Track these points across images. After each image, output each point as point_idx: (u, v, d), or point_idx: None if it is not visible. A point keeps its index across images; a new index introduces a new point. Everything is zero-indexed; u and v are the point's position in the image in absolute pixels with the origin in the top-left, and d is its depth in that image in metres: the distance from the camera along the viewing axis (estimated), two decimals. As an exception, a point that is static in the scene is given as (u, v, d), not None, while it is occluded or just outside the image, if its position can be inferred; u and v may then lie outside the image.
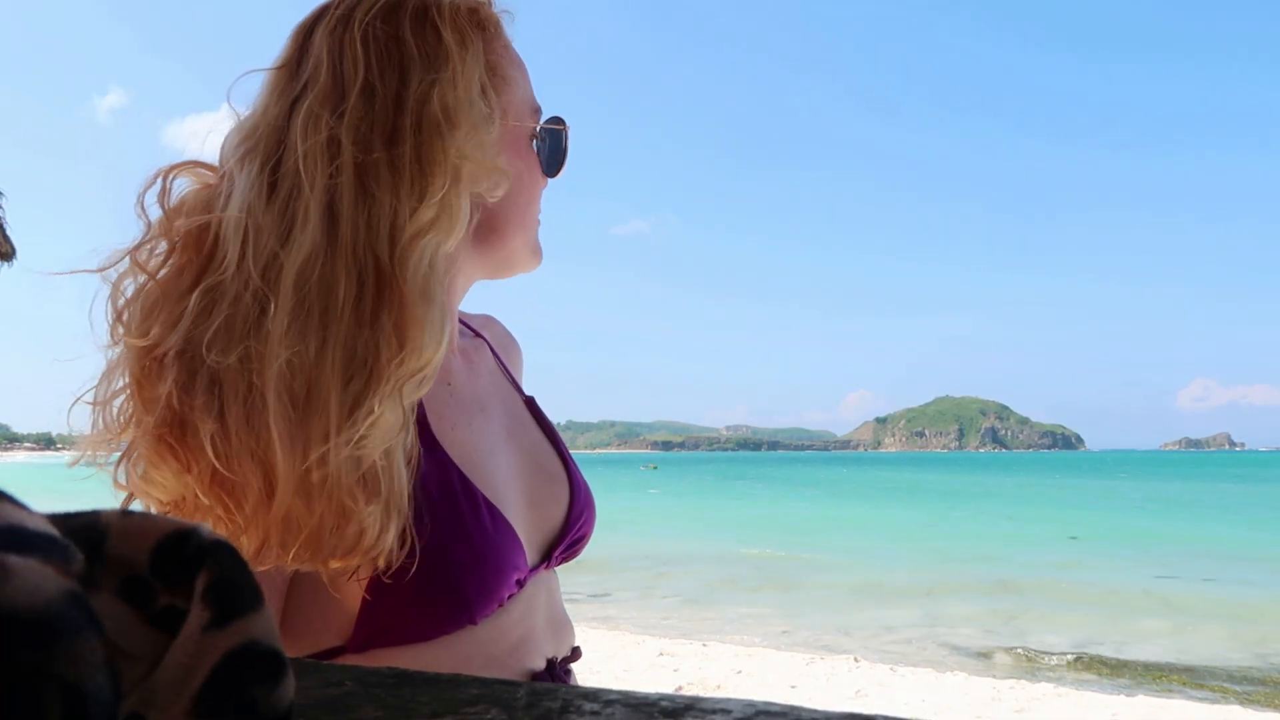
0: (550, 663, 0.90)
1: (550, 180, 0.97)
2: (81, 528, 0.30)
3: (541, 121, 0.94)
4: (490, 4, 0.88)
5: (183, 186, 0.81)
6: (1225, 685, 8.37)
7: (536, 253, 0.97)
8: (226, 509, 0.72)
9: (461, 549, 0.81)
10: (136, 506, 0.74)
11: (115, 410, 0.75)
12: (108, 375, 0.76)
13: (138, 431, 0.74)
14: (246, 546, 0.72)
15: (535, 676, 0.88)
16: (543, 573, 0.93)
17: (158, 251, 0.78)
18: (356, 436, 0.71)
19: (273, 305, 0.72)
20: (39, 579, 0.24)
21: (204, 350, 0.71)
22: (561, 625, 0.96)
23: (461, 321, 1.03)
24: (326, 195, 0.75)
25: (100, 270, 0.78)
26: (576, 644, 0.97)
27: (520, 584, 0.87)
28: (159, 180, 0.81)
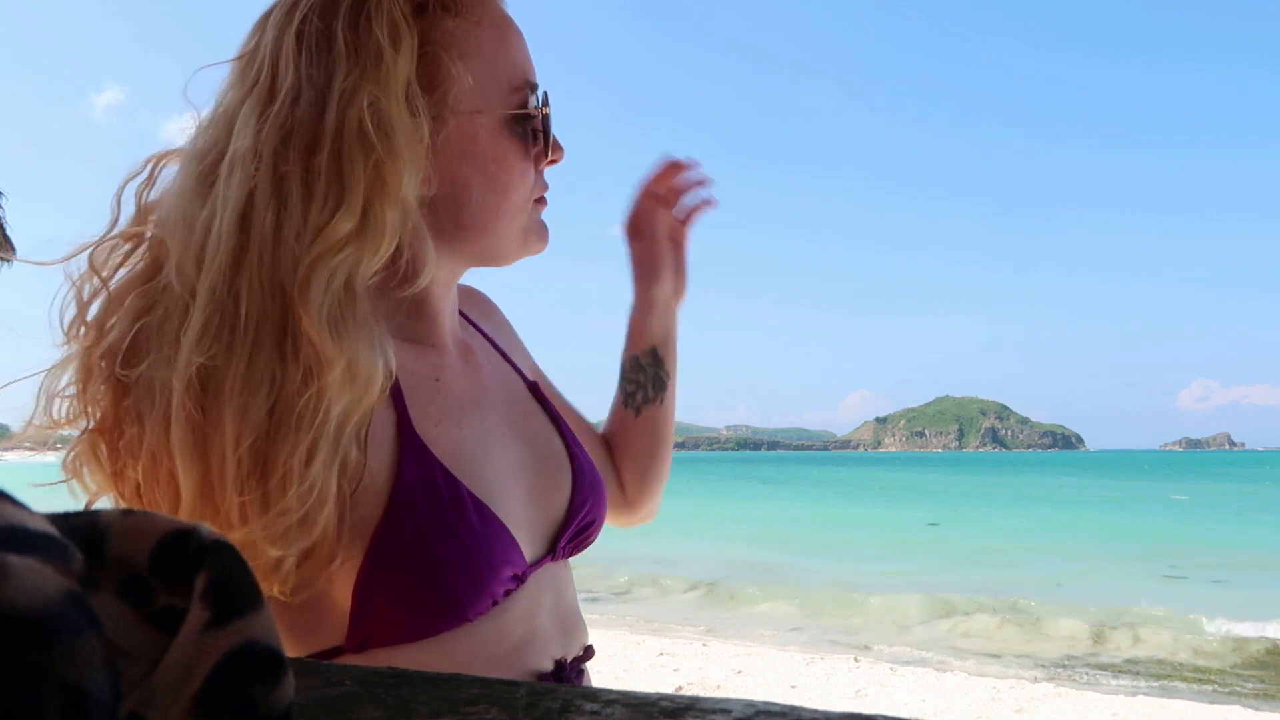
0: (559, 664, 0.87)
1: (551, 162, 0.92)
2: (81, 527, 0.30)
3: (533, 97, 0.87)
4: None
5: (170, 176, 0.79)
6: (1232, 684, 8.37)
7: (530, 239, 0.92)
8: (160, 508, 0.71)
9: (447, 547, 0.78)
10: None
11: (59, 405, 0.75)
12: (59, 368, 0.75)
13: (78, 430, 0.74)
14: None
15: (542, 678, 0.85)
16: (549, 566, 0.89)
17: (119, 251, 0.77)
18: (267, 494, 0.69)
19: (190, 313, 0.70)
20: (39, 579, 0.24)
21: (131, 354, 0.71)
22: (572, 623, 0.92)
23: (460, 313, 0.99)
24: (243, 205, 0.71)
25: (65, 260, 0.76)
26: (589, 643, 0.94)
27: (520, 580, 0.84)
28: (147, 168, 0.79)
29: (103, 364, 0.73)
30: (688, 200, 1.17)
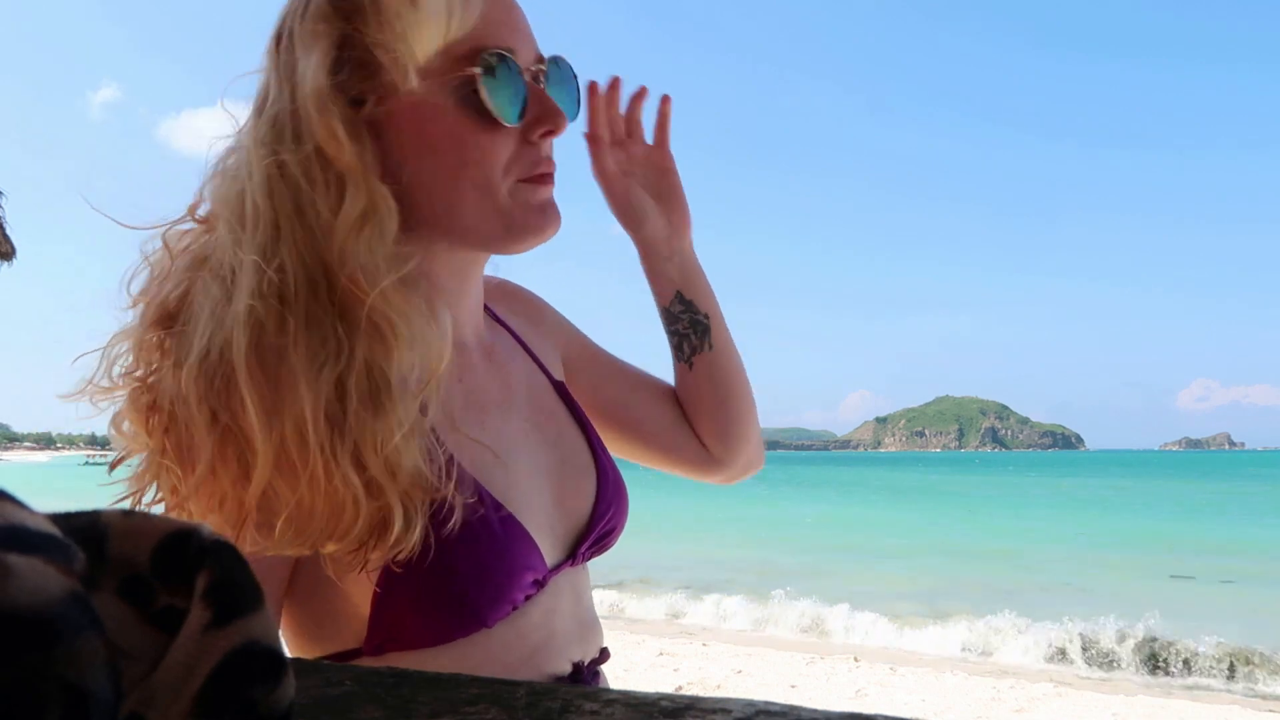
0: (577, 666, 0.87)
1: (536, 136, 0.82)
2: (83, 527, 0.30)
3: (501, 63, 0.79)
4: None
5: None
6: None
7: (516, 221, 0.82)
8: (177, 477, 0.73)
9: (465, 555, 0.78)
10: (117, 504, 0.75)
11: (119, 365, 0.77)
12: (122, 334, 0.78)
13: (127, 385, 0.76)
14: (194, 514, 0.72)
15: (560, 682, 0.85)
16: (568, 570, 0.89)
17: (190, 231, 0.80)
18: (350, 430, 0.70)
19: (239, 273, 0.73)
20: (40, 579, 0.24)
21: (183, 309, 0.74)
22: (589, 626, 0.92)
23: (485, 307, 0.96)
24: (266, 183, 0.74)
25: (153, 228, 0.80)
26: (605, 645, 0.94)
27: (540, 585, 0.84)
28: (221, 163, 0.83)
29: (158, 323, 0.76)
30: (636, 118, 1.06)
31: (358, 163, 0.74)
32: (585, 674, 0.87)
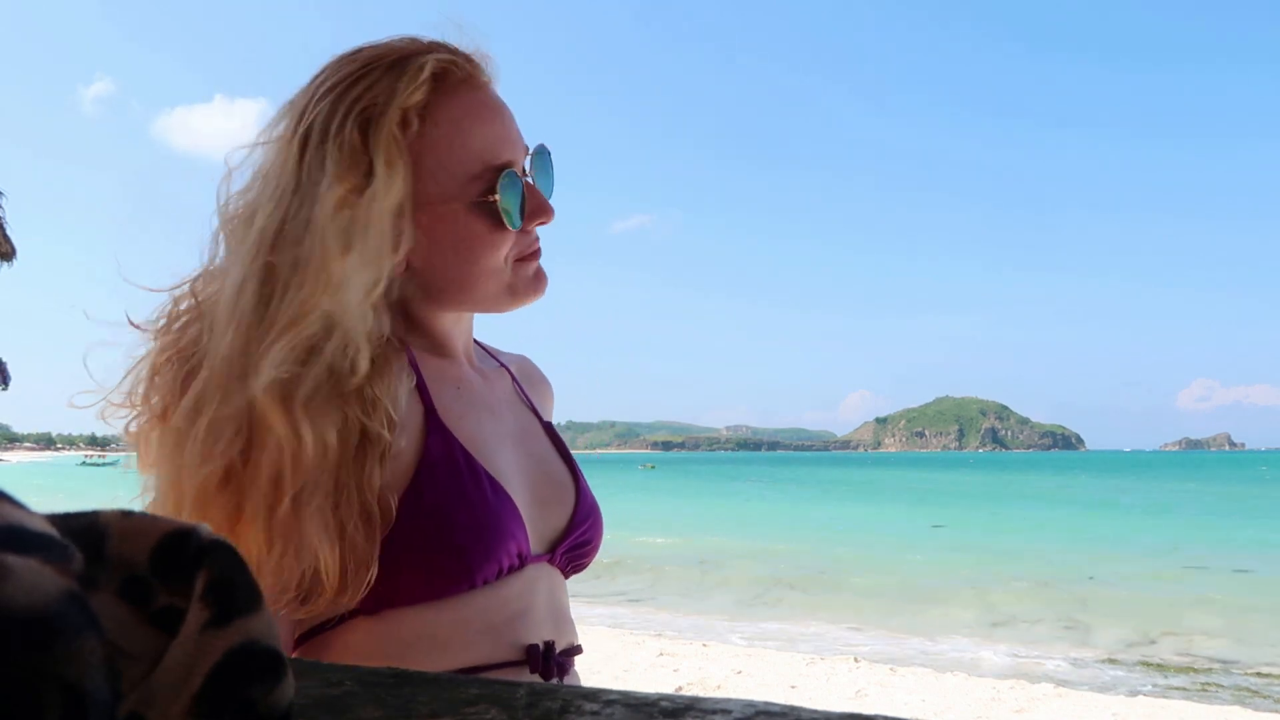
0: (548, 645, 0.94)
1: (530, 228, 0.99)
2: (82, 528, 0.30)
3: (504, 175, 0.94)
4: (458, 63, 0.93)
5: None
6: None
7: (518, 291, 0.99)
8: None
9: (462, 512, 0.89)
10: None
11: (139, 389, 0.88)
12: (144, 361, 0.89)
13: (142, 408, 0.88)
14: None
15: (531, 652, 0.92)
16: (546, 565, 0.98)
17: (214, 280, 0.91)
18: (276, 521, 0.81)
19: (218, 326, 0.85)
20: (38, 579, 0.24)
21: (192, 353, 0.86)
22: (563, 619, 0.99)
23: (490, 352, 1.13)
24: (249, 280, 0.85)
25: (171, 289, 0.92)
26: (578, 643, 1.00)
27: (521, 560, 0.93)
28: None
29: (172, 363, 0.88)
30: None
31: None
32: (557, 657, 0.95)
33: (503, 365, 1.13)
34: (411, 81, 0.89)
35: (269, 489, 0.81)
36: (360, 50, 0.91)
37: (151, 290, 0.92)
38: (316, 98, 0.89)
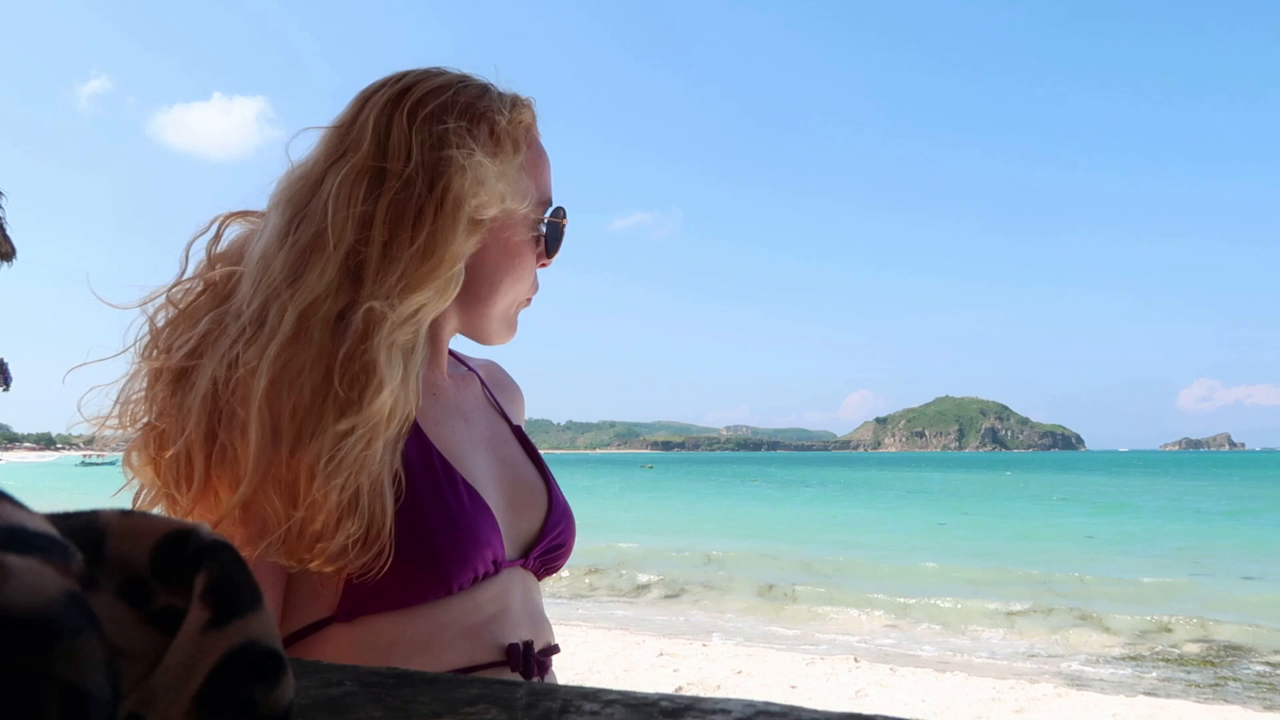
0: (527, 645, 0.96)
1: (543, 265, 1.08)
2: (81, 528, 0.30)
3: (549, 212, 1.05)
4: (533, 104, 1.02)
5: (233, 234, 0.97)
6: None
7: (506, 328, 1.07)
8: (176, 491, 0.86)
9: (438, 517, 0.91)
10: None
11: (130, 409, 0.90)
12: (133, 379, 0.90)
13: (139, 424, 0.89)
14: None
15: (511, 651, 0.94)
16: (520, 569, 1.00)
17: (193, 290, 0.93)
18: (338, 455, 0.83)
19: (269, 330, 0.85)
20: (38, 579, 0.24)
21: (201, 359, 0.86)
22: (540, 619, 1.01)
23: (459, 359, 1.15)
24: (351, 257, 0.88)
25: (141, 304, 0.93)
26: (555, 642, 1.02)
27: (496, 566, 0.95)
28: (213, 227, 0.97)
29: (166, 371, 0.88)
30: None
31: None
32: (534, 655, 0.96)
33: (472, 370, 1.15)
34: (527, 109, 1.01)
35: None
36: (466, 78, 0.99)
37: (151, 290, 0.93)
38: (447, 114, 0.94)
